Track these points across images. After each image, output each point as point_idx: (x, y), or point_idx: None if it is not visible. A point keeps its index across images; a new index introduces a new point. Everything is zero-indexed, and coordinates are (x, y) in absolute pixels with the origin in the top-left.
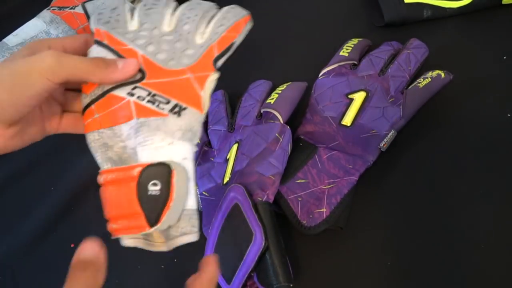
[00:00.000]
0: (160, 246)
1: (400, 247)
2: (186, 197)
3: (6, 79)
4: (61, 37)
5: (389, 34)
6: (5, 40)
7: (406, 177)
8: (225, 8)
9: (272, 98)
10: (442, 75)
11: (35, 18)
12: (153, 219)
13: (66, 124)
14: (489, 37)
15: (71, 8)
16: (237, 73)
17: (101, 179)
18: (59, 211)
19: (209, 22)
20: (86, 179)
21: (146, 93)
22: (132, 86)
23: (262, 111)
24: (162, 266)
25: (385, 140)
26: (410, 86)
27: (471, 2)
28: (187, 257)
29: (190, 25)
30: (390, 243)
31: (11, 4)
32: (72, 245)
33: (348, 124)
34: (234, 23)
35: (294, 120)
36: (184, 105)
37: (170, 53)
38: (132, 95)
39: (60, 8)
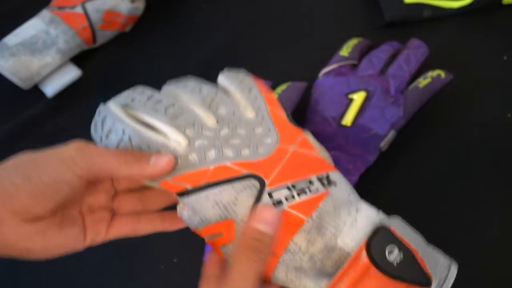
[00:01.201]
0: None
1: None
2: (422, 238)
3: (25, 163)
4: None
5: (389, 34)
6: (5, 40)
7: (406, 177)
8: (224, 78)
9: None
10: (442, 75)
11: (34, 18)
12: (424, 281)
13: (117, 230)
14: (489, 37)
15: (71, 8)
16: None
17: None
18: None
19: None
20: None
21: (285, 189)
22: (265, 195)
23: None
24: (162, 267)
25: (385, 140)
26: (410, 86)
27: (471, 2)
28: (187, 258)
29: (225, 106)
30: None
31: (11, 4)
32: None
33: (348, 124)
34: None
35: (294, 120)
36: (323, 173)
37: (245, 144)
38: (279, 202)
39: (59, 8)
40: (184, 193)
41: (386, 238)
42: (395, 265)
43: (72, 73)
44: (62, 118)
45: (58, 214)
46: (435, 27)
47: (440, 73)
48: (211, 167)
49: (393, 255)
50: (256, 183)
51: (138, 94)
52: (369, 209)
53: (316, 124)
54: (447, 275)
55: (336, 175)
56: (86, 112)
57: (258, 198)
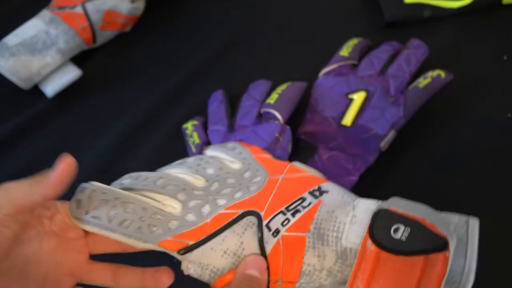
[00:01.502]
0: None
1: None
2: (427, 207)
3: None
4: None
5: (389, 34)
6: (5, 40)
7: (406, 177)
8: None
9: (272, 98)
10: (442, 75)
11: (34, 18)
12: (440, 244)
13: None
14: (489, 37)
15: (71, 8)
16: (237, 73)
17: None
18: None
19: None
20: (86, 179)
21: (280, 214)
22: (265, 229)
23: (262, 111)
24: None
25: (385, 140)
26: (410, 86)
27: (471, 2)
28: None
29: (212, 166)
30: None
31: (11, 4)
32: None
33: (348, 124)
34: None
35: (294, 120)
36: (315, 187)
37: (236, 189)
38: (277, 232)
39: (59, 8)
40: (186, 250)
41: (387, 219)
42: (405, 240)
43: (72, 73)
44: (62, 118)
45: (16, 267)
46: (435, 27)
47: (440, 73)
48: (209, 220)
49: (400, 232)
50: (253, 219)
51: (120, 179)
52: (366, 202)
53: (316, 124)
54: (466, 231)
55: (328, 185)
56: (86, 112)
57: (260, 235)
